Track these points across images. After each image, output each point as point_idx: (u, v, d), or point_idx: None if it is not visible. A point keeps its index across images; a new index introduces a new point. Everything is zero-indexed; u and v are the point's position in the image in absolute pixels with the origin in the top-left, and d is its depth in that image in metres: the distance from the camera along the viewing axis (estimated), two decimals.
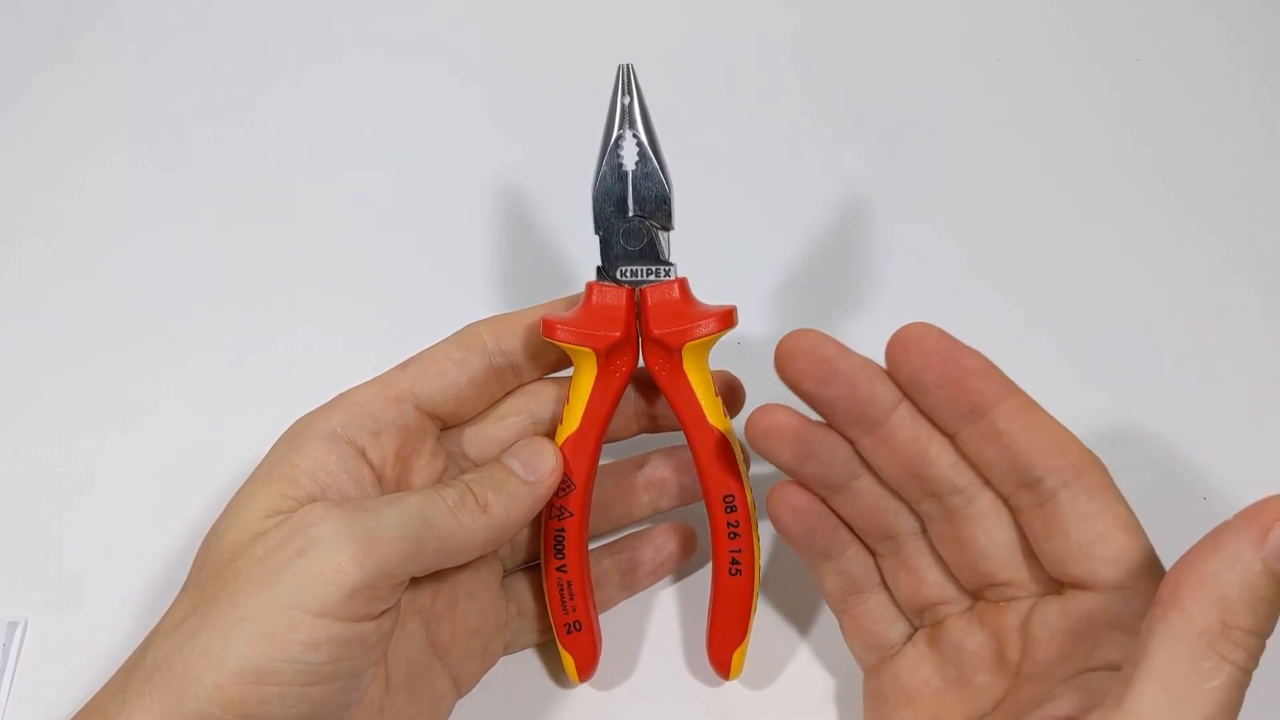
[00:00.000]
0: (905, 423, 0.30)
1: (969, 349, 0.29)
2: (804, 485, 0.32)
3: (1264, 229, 0.47)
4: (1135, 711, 0.24)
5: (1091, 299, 0.45)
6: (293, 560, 0.27)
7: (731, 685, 0.36)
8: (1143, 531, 0.28)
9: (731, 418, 0.35)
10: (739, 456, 0.34)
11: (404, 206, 0.48)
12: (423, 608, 0.33)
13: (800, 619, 0.38)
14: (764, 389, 0.42)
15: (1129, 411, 0.42)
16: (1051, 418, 0.29)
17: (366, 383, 0.33)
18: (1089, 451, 0.29)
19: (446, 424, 0.34)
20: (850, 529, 0.33)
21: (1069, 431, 0.29)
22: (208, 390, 0.43)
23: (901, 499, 0.32)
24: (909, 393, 0.30)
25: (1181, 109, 0.51)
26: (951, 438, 0.30)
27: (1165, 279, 0.45)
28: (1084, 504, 0.28)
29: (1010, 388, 0.29)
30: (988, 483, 0.30)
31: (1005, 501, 0.30)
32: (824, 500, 0.32)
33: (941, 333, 0.29)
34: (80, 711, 0.28)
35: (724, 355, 0.40)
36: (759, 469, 0.40)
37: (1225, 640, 0.24)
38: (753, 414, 0.31)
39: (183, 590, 0.30)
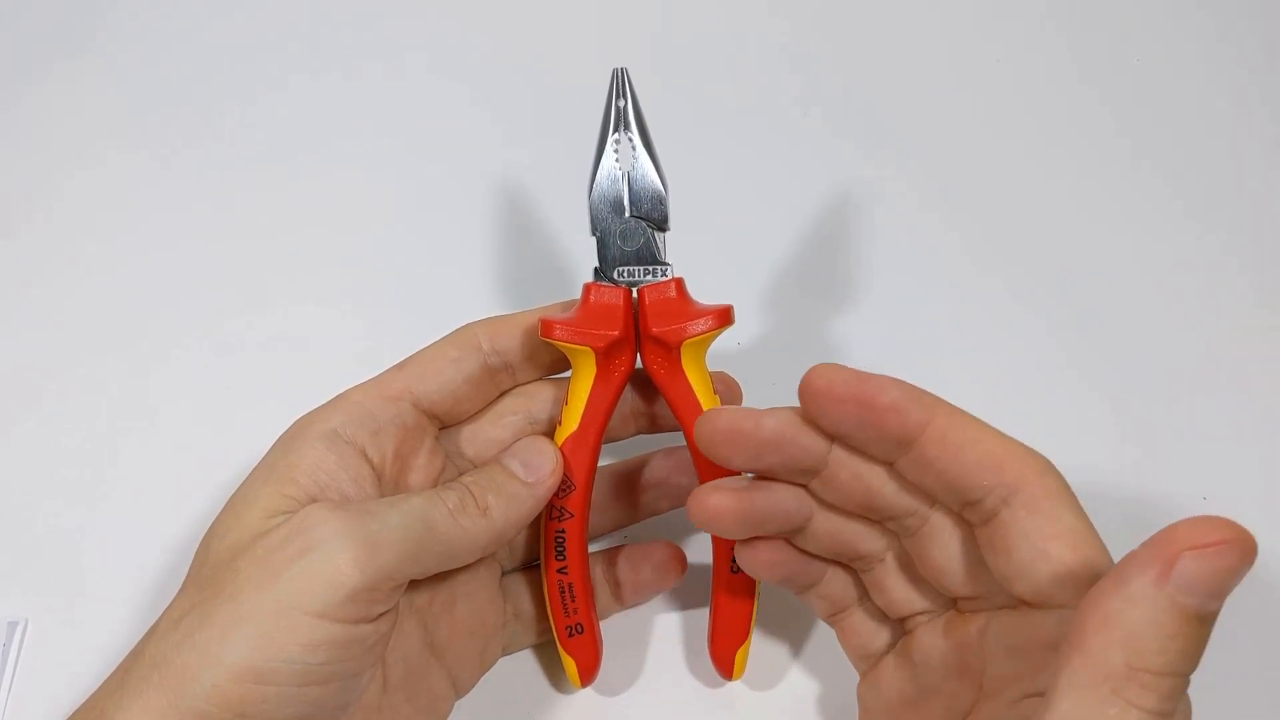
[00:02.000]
0: (843, 462, 0.29)
1: (880, 382, 0.27)
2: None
3: (1265, 227, 0.47)
4: None
5: (1091, 297, 0.45)
6: (293, 561, 0.27)
7: (734, 685, 0.36)
8: (1091, 542, 0.26)
9: None
10: None
11: (403, 208, 0.49)
12: (420, 608, 0.33)
13: (803, 617, 0.38)
14: (762, 388, 0.42)
15: (1129, 410, 0.42)
16: (984, 431, 0.27)
17: (365, 382, 0.33)
18: (1030, 459, 0.27)
19: (444, 423, 0.34)
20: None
21: (1006, 442, 0.27)
22: (207, 390, 0.43)
23: (864, 522, 0.31)
24: (833, 438, 0.29)
25: (1182, 108, 0.51)
26: (890, 465, 0.29)
27: (1166, 276, 0.45)
28: (1024, 520, 0.26)
29: (933, 409, 0.27)
30: (936, 502, 0.29)
31: (958, 517, 0.29)
32: (789, 541, 0.32)
33: (847, 372, 0.27)
34: (78, 709, 0.28)
35: (723, 356, 0.40)
36: None
37: (1132, 684, 0.22)
38: (690, 499, 0.31)
39: (182, 589, 0.30)
